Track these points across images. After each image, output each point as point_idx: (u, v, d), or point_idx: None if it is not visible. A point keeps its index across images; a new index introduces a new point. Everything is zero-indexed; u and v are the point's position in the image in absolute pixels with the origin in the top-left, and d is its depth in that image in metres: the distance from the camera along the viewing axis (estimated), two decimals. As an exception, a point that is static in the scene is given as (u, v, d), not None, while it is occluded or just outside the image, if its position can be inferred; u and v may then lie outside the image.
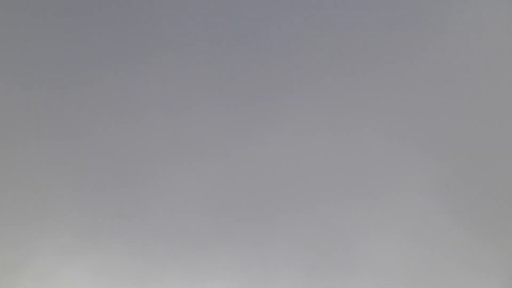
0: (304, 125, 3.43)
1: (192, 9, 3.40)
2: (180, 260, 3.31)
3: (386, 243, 3.30)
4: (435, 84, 3.36)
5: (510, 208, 3.30)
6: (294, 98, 3.43)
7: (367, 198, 3.33)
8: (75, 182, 3.35)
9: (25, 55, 3.41)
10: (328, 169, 3.37)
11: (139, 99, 3.36)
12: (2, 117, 3.27)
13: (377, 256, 3.29)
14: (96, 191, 3.35)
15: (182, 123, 3.40)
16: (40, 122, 3.30)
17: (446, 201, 3.27)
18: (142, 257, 3.33)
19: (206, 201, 3.37)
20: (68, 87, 3.30)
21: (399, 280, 3.26)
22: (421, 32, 3.42)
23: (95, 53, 3.35)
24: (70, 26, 3.37)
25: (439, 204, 3.28)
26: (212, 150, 3.38)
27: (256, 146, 3.39)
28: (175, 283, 3.29)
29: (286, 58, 3.39)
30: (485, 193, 3.26)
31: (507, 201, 3.29)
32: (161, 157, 3.36)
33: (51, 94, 3.27)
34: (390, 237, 3.30)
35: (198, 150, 3.39)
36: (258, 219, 3.35)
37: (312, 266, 3.29)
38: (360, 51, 3.45)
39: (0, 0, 3.47)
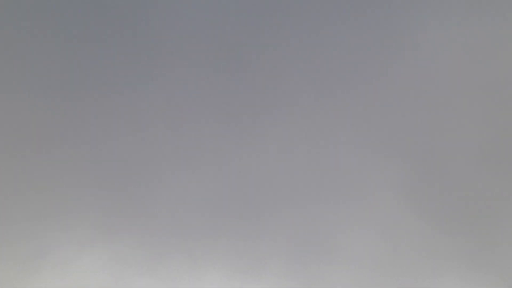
0: (290, 137, 3.97)
1: (196, 38, 3.93)
2: (181, 251, 3.82)
3: (360, 236, 3.85)
4: (400, 101, 3.92)
5: (465, 204, 3.87)
6: (282, 114, 3.96)
7: (343, 198, 3.88)
8: (91, 183, 3.84)
9: (44, 68, 3.90)
10: (310, 174, 3.91)
11: (150, 113, 3.87)
12: (29, 124, 3.76)
13: (352, 248, 3.84)
14: (109, 191, 3.85)
15: (185, 133, 3.91)
16: (63, 130, 3.79)
17: (411, 200, 3.83)
18: (149, 249, 3.83)
19: (204, 201, 3.89)
20: (87, 100, 3.80)
21: (371, 268, 3.81)
22: (392, 53, 3.99)
23: (110, 71, 3.85)
24: (86, 44, 3.87)
25: (404, 202, 3.84)
26: (210, 158, 3.90)
27: (248, 155, 3.92)
28: (177, 270, 3.80)
29: (276, 80, 3.93)
30: (444, 192, 3.83)
31: (463, 199, 3.86)
32: (166, 162, 3.88)
33: (75, 106, 3.76)
34: (363, 231, 3.86)
35: (198, 157, 3.91)
36: (249, 217, 3.88)
37: (296, 256, 3.82)
38: (336, 73, 4.00)
39: (13, 12, 3.95)
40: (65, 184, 3.84)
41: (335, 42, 4.04)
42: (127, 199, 3.86)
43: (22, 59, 3.86)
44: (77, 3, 3.86)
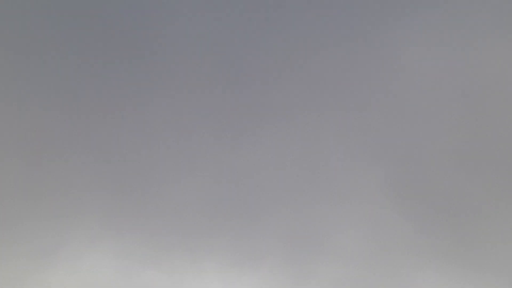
0: (284, 143, 4.35)
1: (197, 56, 4.34)
2: (183, 246, 4.17)
3: (349, 234, 4.21)
4: (385, 110, 4.32)
5: (445, 204, 4.24)
6: (276, 122, 4.35)
7: (333, 199, 4.25)
8: (101, 186, 4.21)
9: (62, 82, 4.30)
10: (302, 177, 4.28)
11: (154, 123, 4.26)
12: (47, 132, 4.14)
13: (341, 244, 4.19)
14: (117, 192, 4.21)
15: (187, 141, 4.29)
16: (76, 139, 4.17)
17: (396, 200, 4.20)
18: (153, 245, 4.18)
19: (204, 201, 4.25)
20: (99, 111, 4.20)
21: (359, 262, 4.16)
22: (378, 68, 4.39)
23: (121, 86, 4.25)
24: (101, 60, 4.27)
25: (390, 202, 4.20)
26: (210, 162, 4.28)
27: (245, 160, 4.29)
28: (179, 264, 4.15)
29: (270, 92, 4.32)
30: (426, 193, 4.20)
31: (443, 199, 4.23)
32: (169, 167, 4.25)
33: (88, 117, 4.16)
34: (352, 229, 4.22)
35: (199, 162, 4.29)
36: (246, 215, 4.24)
37: (288, 251, 4.18)
38: (328, 85, 4.40)
39: (34, 26, 4.35)
40: (77, 186, 4.20)
41: (326, 59, 4.44)
42: (133, 200, 4.22)
43: (39, 72, 4.25)
44: (94, 22, 4.28)
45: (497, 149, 4.27)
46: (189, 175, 4.29)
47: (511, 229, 4.22)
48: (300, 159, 4.31)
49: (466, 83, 4.31)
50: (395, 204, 4.25)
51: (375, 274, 4.18)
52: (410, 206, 4.25)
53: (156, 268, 4.16)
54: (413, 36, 4.39)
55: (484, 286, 4.13)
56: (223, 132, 4.36)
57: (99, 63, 4.23)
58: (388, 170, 4.26)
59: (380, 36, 4.33)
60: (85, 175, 4.23)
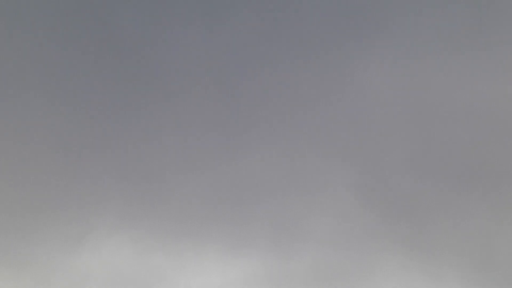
0: (270, 149, 5.27)
1: (199, 76, 5.25)
2: (187, 233, 5.06)
3: (322, 223, 5.13)
4: (351, 121, 5.27)
5: (400, 199, 5.18)
6: (264, 133, 5.27)
7: (310, 194, 5.17)
8: (119, 182, 5.08)
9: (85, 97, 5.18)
10: (285, 176, 5.20)
11: (164, 129, 5.16)
12: (76, 136, 5.01)
13: (315, 231, 5.11)
14: (133, 190, 5.09)
15: (191, 146, 5.19)
16: (100, 143, 5.04)
17: (360, 195, 5.14)
18: (162, 232, 5.06)
19: (205, 195, 5.15)
20: (120, 120, 5.08)
21: (330, 246, 5.08)
22: (344, 86, 5.34)
23: (136, 101, 5.14)
24: (119, 80, 5.17)
25: (355, 197, 5.14)
26: (210, 163, 5.18)
27: (239, 161, 5.20)
28: (184, 248, 5.03)
29: (259, 108, 5.25)
30: (384, 190, 5.15)
31: (398, 195, 5.18)
32: (176, 167, 5.14)
33: (110, 124, 5.04)
34: (325, 219, 5.14)
35: (201, 163, 5.18)
36: (239, 207, 5.14)
37: (274, 237, 5.09)
38: (304, 103, 5.34)
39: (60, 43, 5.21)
40: (100, 184, 5.07)
41: (303, 80, 5.38)
42: (145, 195, 5.10)
43: (60, 87, 5.13)
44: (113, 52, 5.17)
45: (444, 154, 5.24)
46: (192, 176, 5.18)
47: (455, 220, 5.18)
48: (283, 162, 5.23)
49: (418, 98, 5.28)
50: (360, 199, 5.19)
51: (344, 256, 5.11)
52: (372, 201, 5.19)
53: (164, 252, 5.04)
54: (374, 58, 5.34)
55: (432, 267, 5.09)
56: (220, 140, 5.27)
57: (121, 81, 5.12)
58: (355, 171, 5.21)
59: (347, 59, 5.29)
60: (107, 175, 5.11)
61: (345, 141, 5.25)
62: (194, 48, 5.35)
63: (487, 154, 5.09)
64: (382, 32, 5.40)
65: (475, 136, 5.11)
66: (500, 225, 4.97)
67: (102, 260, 5.03)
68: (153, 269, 5.02)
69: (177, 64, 5.35)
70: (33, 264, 5.01)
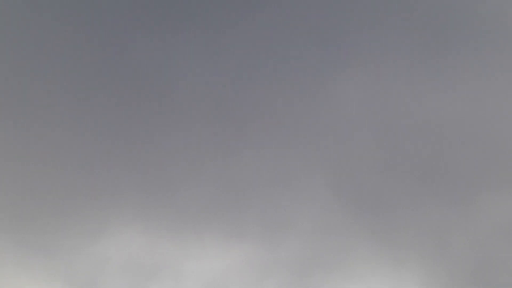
0: (259, 156, 6.25)
1: (201, 98, 6.24)
2: (192, 224, 6.01)
3: (303, 219, 6.09)
4: (326, 131, 6.26)
5: (371, 197, 6.16)
6: (255, 144, 6.25)
7: (293, 194, 6.14)
8: (136, 186, 6.03)
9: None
10: (273, 178, 6.18)
11: (171, 141, 6.13)
12: (101, 142, 5.97)
13: (298, 226, 6.07)
14: (146, 190, 6.04)
15: (194, 153, 6.17)
16: (118, 152, 6.01)
17: (335, 193, 6.12)
18: (170, 225, 6.00)
19: (205, 197, 6.10)
20: (140, 134, 6.06)
21: (311, 239, 6.04)
22: (324, 101, 6.34)
23: (148, 120, 6.12)
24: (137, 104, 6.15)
25: (331, 194, 6.12)
26: (211, 167, 6.15)
27: (234, 165, 6.18)
28: (189, 236, 5.98)
29: (251, 125, 6.24)
30: (356, 188, 6.13)
31: (369, 193, 6.16)
32: (183, 170, 6.11)
33: (128, 136, 6.01)
34: (305, 215, 6.10)
35: (202, 170, 6.15)
36: (234, 206, 6.10)
37: (263, 230, 6.04)
38: (288, 118, 6.33)
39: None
40: (118, 183, 6.02)
41: (287, 98, 6.38)
42: (156, 193, 6.05)
43: (92, 109, 6.10)
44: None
45: (406, 159, 6.24)
46: (195, 178, 6.15)
47: (414, 214, 6.15)
48: (272, 167, 6.21)
49: (384, 113, 6.29)
50: (337, 197, 6.17)
51: (323, 244, 6.06)
52: (347, 199, 6.17)
53: (172, 241, 5.97)
54: (349, 81, 6.36)
55: (396, 252, 6.05)
56: (218, 149, 6.24)
57: (138, 101, 6.12)
58: (332, 174, 6.19)
59: (327, 81, 6.30)
60: (124, 178, 6.06)
61: (324, 148, 6.24)
62: (197, 77, 6.35)
63: (441, 159, 6.10)
64: (355, 60, 6.42)
65: (431, 144, 6.12)
66: (450, 218, 5.96)
67: (118, 248, 5.96)
68: (162, 255, 5.96)
69: (184, 89, 6.34)
70: (61, 251, 5.93)
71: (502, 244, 5.88)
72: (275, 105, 6.30)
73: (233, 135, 6.18)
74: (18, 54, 6.09)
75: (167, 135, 6.14)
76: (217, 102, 6.33)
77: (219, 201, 6.07)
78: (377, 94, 6.32)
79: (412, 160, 6.19)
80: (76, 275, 5.91)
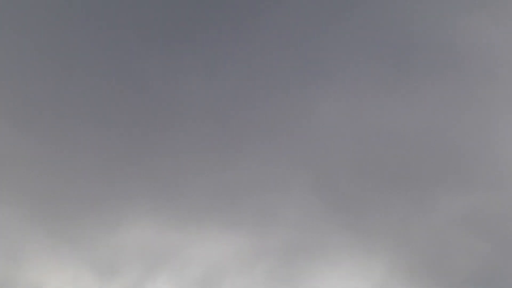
0: (253, 163, 7.41)
1: (202, 114, 7.41)
2: (195, 219, 7.16)
3: (289, 212, 7.24)
4: (309, 144, 7.41)
5: (348, 197, 7.31)
6: (248, 154, 7.42)
7: (280, 193, 7.30)
8: (147, 183, 7.20)
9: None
10: (263, 180, 7.33)
11: (179, 151, 7.30)
12: (121, 151, 7.13)
13: (285, 219, 7.22)
14: (157, 187, 7.20)
15: (195, 160, 7.33)
16: (137, 160, 7.17)
17: (318, 192, 7.27)
18: (178, 218, 7.16)
19: (206, 196, 7.26)
20: (154, 146, 7.23)
21: (296, 230, 7.18)
22: (304, 120, 7.50)
23: (159, 135, 7.29)
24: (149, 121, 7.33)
25: (314, 193, 7.27)
26: (211, 173, 7.31)
27: (230, 174, 7.34)
28: (193, 229, 7.13)
29: (245, 137, 7.41)
30: (337, 188, 7.28)
31: (346, 193, 7.31)
32: (189, 174, 7.27)
33: (145, 145, 7.18)
34: (292, 209, 7.25)
35: (205, 172, 7.31)
36: (231, 203, 7.25)
37: (255, 222, 7.19)
38: (276, 134, 7.50)
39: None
40: (133, 183, 7.19)
41: (276, 112, 7.55)
42: (165, 191, 7.21)
43: (114, 121, 7.28)
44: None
45: (377, 164, 7.39)
46: (198, 179, 7.31)
47: (384, 211, 7.29)
48: (263, 170, 7.37)
49: (359, 124, 7.46)
50: (317, 196, 7.32)
51: (305, 236, 7.21)
52: (326, 197, 7.33)
53: (179, 231, 7.13)
54: (328, 98, 7.52)
55: (368, 243, 7.19)
56: (217, 156, 7.41)
57: (148, 115, 7.29)
58: (314, 176, 7.35)
59: (309, 99, 7.48)
60: (138, 179, 7.22)
61: (307, 155, 7.40)
62: (198, 94, 7.53)
63: (404, 164, 7.26)
64: (335, 83, 7.59)
65: (396, 152, 7.28)
66: (412, 213, 7.12)
67: (133, 238, 7.11)
68: (169, 243, 7.11)
69: (187, 104, 7.51)
70: (85, 240, 7.08)
71: (454, 235, 7.03)
72: (267, 120, 7.46)
73: (231, 144, 7.34)
74: (54, 73, 7.28)
75: (175, 144, 7.31)
76: (218, 117, 7.50)
77: (218, 199, 7.22)
78: (353, 110, 7.48)
79: (381, 165, 7.34)
80: (97, 260, 7.06)
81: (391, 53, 7.38)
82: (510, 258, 6.93)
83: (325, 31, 7.45)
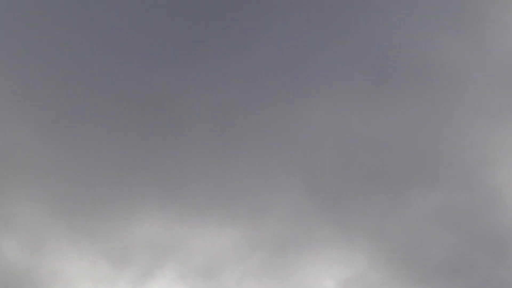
0: (249, 166, 8.38)
1: (203, 123, 8.40)
2: (197, 215, 8.11)
3: (282, 208, 8.19)
4: (300, 152, 8.39)
5: (335, 197, 8.28)
6: (245, 160, 8.39)
7: (273, 193, 8.25)
8: (155, 183, 8.16)
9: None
10: (259, 181, 8.30)
11: (183, 156, 8.27)
12: (134, 158, 8.11)
13: (277, 215, 8.17)
14: (164, 187, 8.16)
15: (200, 163, 8.30)
16: (148, 164, 8.14)
17: (307, 193, 8.23)
18: (183, 214, 8.11)
19: (206, 194, 8.22)
20: (163, 152, 8.21)
21: (287, 222, 8.13)
22: (296, 128, 8.49)
23: (166, 141, 8.28)
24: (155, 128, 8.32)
25: (304, 194, 8.23)
26: (212, 174, 8.27)
27: (230, 174, 8.30)
28: (196, 224, 8.08)
29: (244, 141, 8.39)
30: (323, 188, 8.24)
31: (331, 193, 8.27)
32: (192, 176, 8.23)
33: (157, 154, 8.15)
34: (283, 207, 8.21)
35: (206, 174, 8.27)
36: (230, 200, 8.21)
37: (251, 217, 8.14)
38: (269, 146, 8.49)
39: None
40: (143, 183, 8.15)
41: (270, 121, 8.55)
42: (171, 190, 8.17)
43: (128, 128, 8.26)
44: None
45: (361, 167, 8.36)
46: (200, 180, 8.27)
47: (365, 209, 8.25)
48: (257, 172, 8.34)
49: (345, 132, 8.44)
50: (306, 194, 8.28)
51: (294, 230, 8.15)
52: (314, 196, 8.29)
53: (184, 225, 8.07)
54: (316, 109, 8.52)
55: (350, 236, 8.14)
56: (217, 160, 8.39)
57: (156, 123, 8.28)
58: (302, 176, 8.32)
59: (299, 110, 8.47)
60: (147, 179, 8.19)
61: (297, 159, 8.38)
62: (201, 105, 8.52)
63: (382, 166, 8.24)
64: (321, 93, 8.59)
65: (374, 154, 8.27)
66: (388, 208, 8.09)
67: (143, 232, 8.06)
68: (175, 237, 8.06)
69: (191, 114, 8.49)
70: (101, 232, 8.03)
71: (426, 229, 7.99)
72: (262, 128, 8.46)
73: (229, 149, 8.33)
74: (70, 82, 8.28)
75: (180, 150, 8.30)
76: (218, 125, 8.49)
77: (218, 197, 8.19)
78: (338, 120, 8.49)
79: (362, 168, 8.32)
80: (111, 251, 8.00)
81: (370, 71, 8.42)
82: (474, 248, 7.89)
83: (314, 52, 8.49)
